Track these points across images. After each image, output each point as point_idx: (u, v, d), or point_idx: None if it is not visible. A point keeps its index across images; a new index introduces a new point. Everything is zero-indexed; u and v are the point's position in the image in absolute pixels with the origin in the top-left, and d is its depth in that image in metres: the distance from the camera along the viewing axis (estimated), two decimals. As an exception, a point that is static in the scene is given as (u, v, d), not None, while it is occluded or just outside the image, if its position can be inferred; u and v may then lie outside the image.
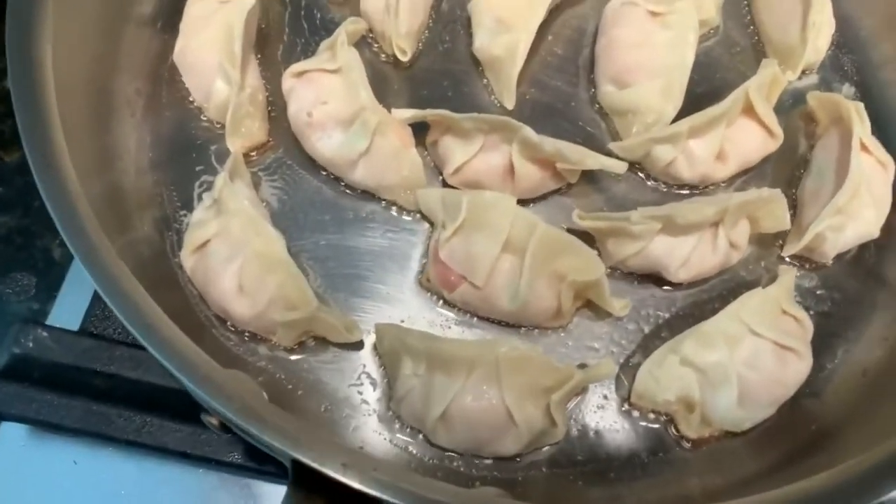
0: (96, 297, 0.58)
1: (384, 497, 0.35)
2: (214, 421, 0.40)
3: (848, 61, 0.64)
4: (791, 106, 0.61)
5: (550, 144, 0.50)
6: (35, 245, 0.66)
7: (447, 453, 0.46)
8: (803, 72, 0.62)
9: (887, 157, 0.56)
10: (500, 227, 0.48)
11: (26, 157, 0.64)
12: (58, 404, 0.54)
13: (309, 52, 0.59)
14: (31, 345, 0.53)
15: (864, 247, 0.57)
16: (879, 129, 0.60)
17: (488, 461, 0.46)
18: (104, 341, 0.53)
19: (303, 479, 0.35)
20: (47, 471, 0.58)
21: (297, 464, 0.35)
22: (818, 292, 0.55)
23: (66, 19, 0.50)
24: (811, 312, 0.54)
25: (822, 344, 0.53)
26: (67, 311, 0.59)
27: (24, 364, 0.53)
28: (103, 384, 0.53)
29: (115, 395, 0.53)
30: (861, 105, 0.58)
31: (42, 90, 0.46)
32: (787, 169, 0.59)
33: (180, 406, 0.52)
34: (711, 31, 0.63)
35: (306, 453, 0.32)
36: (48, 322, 0.57)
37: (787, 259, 0.56)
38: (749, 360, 0.48)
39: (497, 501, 0.40)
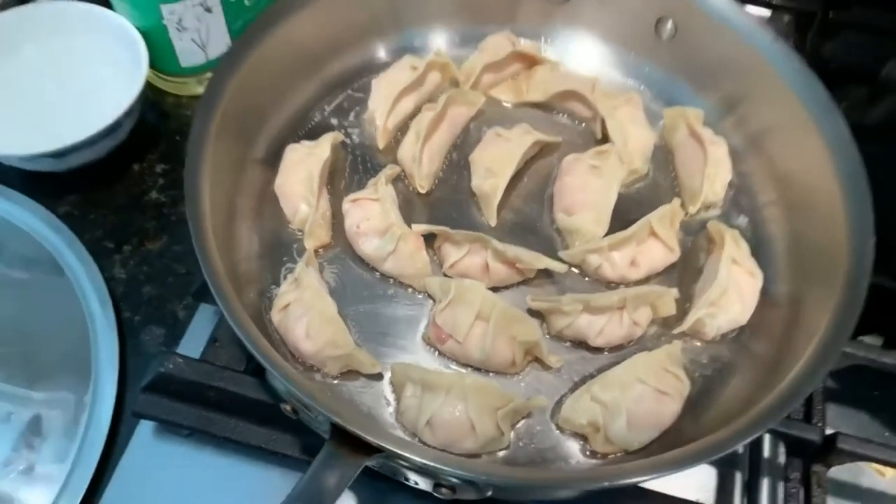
0: (208, 343, 0.72)
1: (385, 446, 0.50)
2: (288, 407, 0.59)
3: (744, 200, 0.80)
4: (699, 230, 0.79)
5: (512, 251, 0.69)
6: (166, 308, 0.81)
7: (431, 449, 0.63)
8: (709, 207, 0.79)
9: (757, 271, 0.73)
10: (473, 303, 0.66)
11: (164, 246, 0.85)
12: (181, 409, 0.69)
13: (362, 185, 0.77)
14: (171, 366, 0.67)
15: (742, 329, 0.72)
16: (762, 252, 0.76)
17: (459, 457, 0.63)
18: (215, 367, 0.68)
19: (337, 436, 0.52)
20: (167, 458, 0.71)
21: (334, 426, 0.52)
22: (703, 361, 0.71)
23: (215, 162, 0.67)
24: (697, 374, 0.70)
25: (700, 396, 0.69)
26: (187, 351, 0.72)
27: (164, 380, 0.67)
28: (213, 396, 0.68)
29: (219, 405, 0.68)
30: (737, 232, 0.74)
31: (202, 209, 0.63)
32: (689, 274, 0.76)
33: (262, 413, 0.67)
34: (642, 177, 0.81)
35: (339, 417, 0.51)
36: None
37: (686, 335, 0.72)
38: (635, 399, 0.63)
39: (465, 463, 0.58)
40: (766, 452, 0.75)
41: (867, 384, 0.81)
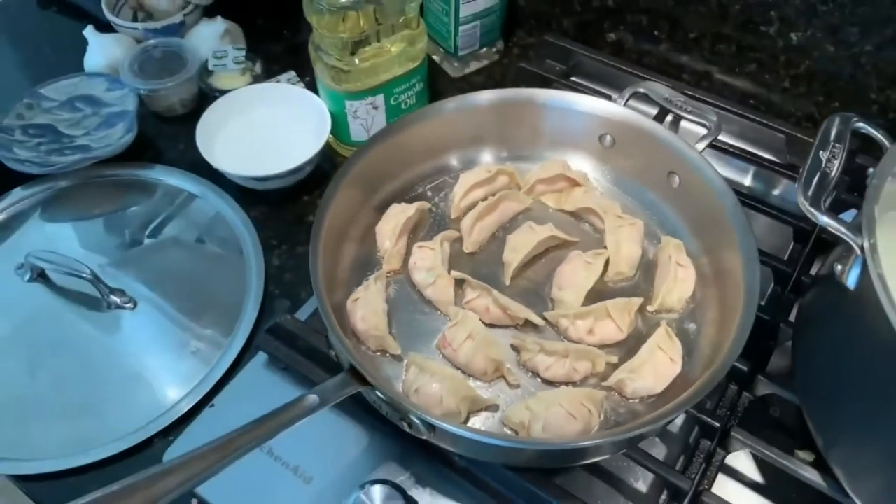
0: (311, 314, 1.02)
1: (370, 381, 0.76)
2: (333, 353, 0.94)
3: (698, 313, 0.98)
4: (655, 324, 0.95)
5: (505, 301, 0.92)
6: (295, 290, 1.09)
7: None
8: (669, 311, 0.97)
9: (678, 360, 0.89)
10: (468, 327, 0.88)
11: (307, 252, 1.03)
12: (284, 351, 0.95)
13: (430, 238, 1.01)
14: (284, 321, 0.96)
15: (658, 396, 0.88)
16: (695, 349, 0.93)
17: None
18: (310, 328, 0.95)
19: (350, 370, 0.77)
20: (267, 381, 0.98)
21: (351, 366, 0.79)
22: (621, 411, 0.89)
23: (341, 202, 0.95)
24: (612, 418, 0.88)
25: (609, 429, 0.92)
26: (299, 317, 1.00)
27: (279, 329, 0.96)
28: (302, 345, 0.94)
29: (305, 353, 0.94)
30: (671, 329, 0.90)
31: (322, 232, 0.90)
32: (635, 347, 0.92)
33: (328, 364, 0.92)
34: (629, 278, 1.01)
35: (353, 359, 0.85)
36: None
37: (612, 389, 0.89)
38: (553, 415, 0.81)
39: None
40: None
41: (791, 486, 0.99)
